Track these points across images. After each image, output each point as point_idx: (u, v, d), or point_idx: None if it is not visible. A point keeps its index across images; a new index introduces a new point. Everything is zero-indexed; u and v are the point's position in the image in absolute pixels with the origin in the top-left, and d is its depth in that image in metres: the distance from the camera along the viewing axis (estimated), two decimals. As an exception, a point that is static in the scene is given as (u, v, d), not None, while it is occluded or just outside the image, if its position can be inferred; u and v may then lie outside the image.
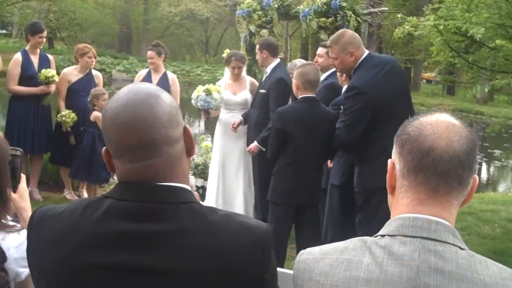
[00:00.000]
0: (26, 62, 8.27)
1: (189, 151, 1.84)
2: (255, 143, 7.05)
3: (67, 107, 8.37)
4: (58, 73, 8.54)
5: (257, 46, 7.79)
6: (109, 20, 38.38)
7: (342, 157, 6.16)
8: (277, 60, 7.69)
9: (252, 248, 1.72)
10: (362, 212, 5.63)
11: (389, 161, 1.81)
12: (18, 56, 8.35)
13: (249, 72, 8.78)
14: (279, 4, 8.29)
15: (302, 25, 8.21)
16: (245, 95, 8.02)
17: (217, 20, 36.06)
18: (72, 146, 8.37)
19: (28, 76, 8.18)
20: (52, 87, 8.24)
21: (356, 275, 1.67)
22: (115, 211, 1.71)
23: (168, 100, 1.79)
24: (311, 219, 5.91)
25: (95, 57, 8.62)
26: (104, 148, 1.81)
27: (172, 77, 8.72)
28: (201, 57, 39.27)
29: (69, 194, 8.74)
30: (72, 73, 8.61)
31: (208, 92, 7.83)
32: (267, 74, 7.66)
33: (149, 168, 1.73)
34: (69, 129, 8.33)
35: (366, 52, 5.57)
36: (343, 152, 5.90)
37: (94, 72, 8.71)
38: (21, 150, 2.62)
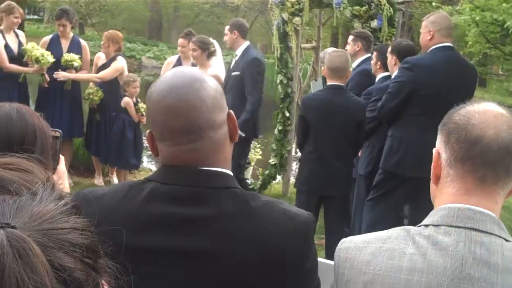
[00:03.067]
0: (53, 45, 8.33)
1: (232, 137, 1.84)
2: None
3: None
4: (91, 59, 8.67)
5: (227, 27, 7.75)
6: (140, 6, 38.50)
7: (368, 146, 6.18)
8: (247, 42, 7.65)
9: (293, 236, 1.71)
10: (373, 193, 5.81)
11: (434, 150, 1.78)
12: (46, 39, 8.49)
13: (280, 61, 8.71)
14: (312, -8, 8.24)
15: (335, 13, 8.15)
16: None
17: (247, 8, 35.93)
18: (102, 131, 8.47)
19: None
20: (73, 72, 8.23)
21: (399, 264, 1.65)
22: (157, 194, 1.72)
23: (213, 85, 1.79)
24: (338, 209, 5.86)
25: (105, 43, 8.56)
26: (148, 131, 1.82)
27: None
28: (230, 45, 39.37)
29: (97, 180, 8.79)
30: (100, 57, 8.69)
31: None
32: (237, 57, 7.57)
33: (193, 151, 1.74)
34: (95, 106, 8.44)
35: (449, 44, 5.55)
36: (379, 119, 5.87)
37: (118, 58, 8.67)
38: (60, 131, 2.63)
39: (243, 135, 6.91)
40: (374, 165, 5.97)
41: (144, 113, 8.16)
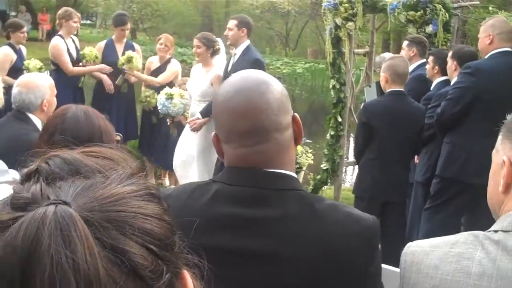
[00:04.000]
0: (108, 50, 8.54)
1: (297, 140, 1.85)
2: (198, 115, 7.07)
3: None
4: (144, 63, 8.80)
5: (235, 22, 7.36)
6: (191, 11, 38.77)
7: (426, 153, 6.12)
8: (248, 41, 7.34)
9: (358, 239, 1.71)
10: (431, 202, 5.77)
11: (504, 158, 1.75)
12: (101, 44, 8.72)
13: (333, 66, 8.69)
14: (366, -4, 8.19)
15: (389, 18, 8.08)
16: (203, 86, 7.49)
17: (298, 13, 35.80)
18: (155, 133, 8.58)
19: (109, 63, 8.39)
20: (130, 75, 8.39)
21: (468, 270, 1.63)
22: (223, 195, 1.74)
23: (279, 88, 1.81)
24: (396, 216, 5.82)
25: (167, 46, 8.68)
26: (213, 133, 1.85)
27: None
28: (281, 50, 39.28)
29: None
30: (153, 61, 8.81)
31: (169, 96, 7.59)
32: (236, 56, 7.26)
33: (258, 153, 1.75)
34: (151, 109, 8.49)
35: (509, 49, 5.50)
36: (436, 128, 5.78)
37: (172, 61, 8.78)
38: (121, 135, 2.69)
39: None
40: (432, 172, 5.91)
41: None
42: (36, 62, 8.17)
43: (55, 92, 4.41)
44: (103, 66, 8.29)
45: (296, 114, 1.85)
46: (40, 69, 7.98)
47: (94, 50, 8.35)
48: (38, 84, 4.24)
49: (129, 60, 8.20)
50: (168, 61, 8.57)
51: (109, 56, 8.39)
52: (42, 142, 2.54)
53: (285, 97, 1.82)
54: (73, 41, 8.40)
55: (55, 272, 0.73)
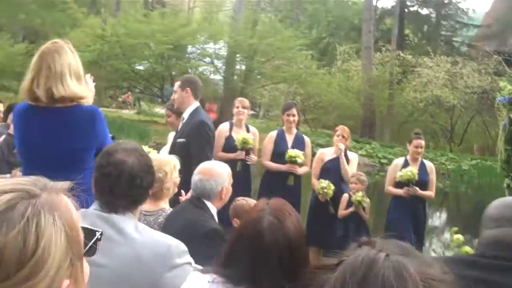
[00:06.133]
0: (279, 140, 8.60)
1: None
2: None
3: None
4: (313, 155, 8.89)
5: (178, 83, 6.95)
6: (353, 103, 38.92)
7: None
8: (197, 103, 6.84)
9: None
10: None
11: None
12: (273, 134, 8.80)
13: (508, 164, 8.29)
14: (544, 90, 7.87)
15: None
16: None
17: (463, 108, 35.11)
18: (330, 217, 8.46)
19: (279, 153, 8.42)
20: (297, 168, 8.33)
21: None
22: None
23: None
24: None
25: (344, 137, 8.66)
26: None
27: (429, 165, 8.76)
28: (445, 145, 38.34)
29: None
30: (327, 153, 8.85)
31: None
32: (184, 120, 6.81)
33: None
34: (328, 200, 8.43)
35: None
36: None
37: (349, 154, 8.82)
38: None
39: None
40: None
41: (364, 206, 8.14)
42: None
43: (232, 180, 4.46)
44: (240, 153, 8.28)
45: None
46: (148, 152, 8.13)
47: (246, 137, 8.37)
48: (219, 172, 4.32)
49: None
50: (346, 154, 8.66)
51: (280, 146, 8.49)
52: (238, 244, 2.58)
53: None
54: (248, 129, 8.63)
55: None
